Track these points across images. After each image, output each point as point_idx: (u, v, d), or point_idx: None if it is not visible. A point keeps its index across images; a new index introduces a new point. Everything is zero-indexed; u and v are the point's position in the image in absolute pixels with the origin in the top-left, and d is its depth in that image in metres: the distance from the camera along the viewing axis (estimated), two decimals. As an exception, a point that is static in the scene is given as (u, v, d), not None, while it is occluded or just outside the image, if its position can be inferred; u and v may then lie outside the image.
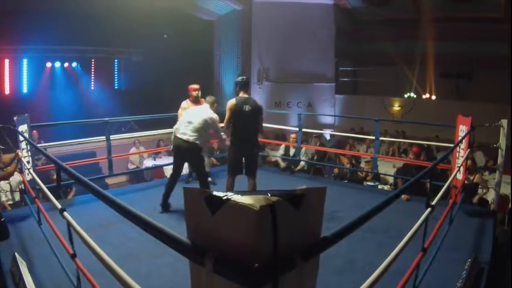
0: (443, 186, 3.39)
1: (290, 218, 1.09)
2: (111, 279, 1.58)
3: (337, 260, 3.47)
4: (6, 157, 4.48)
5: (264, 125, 8.31)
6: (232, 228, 1.04)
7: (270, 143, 9.03)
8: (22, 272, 2.93)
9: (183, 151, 4.55)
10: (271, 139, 8.77)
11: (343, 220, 1.52)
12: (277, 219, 1.01)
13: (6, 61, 10.59)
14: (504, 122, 4.77)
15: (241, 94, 4.52)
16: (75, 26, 9.98)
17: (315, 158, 8.68)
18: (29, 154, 4.69)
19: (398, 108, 12.11)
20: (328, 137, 10.77)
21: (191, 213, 1.18)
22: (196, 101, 5.82)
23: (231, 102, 4.49)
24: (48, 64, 11.64)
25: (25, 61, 11.05)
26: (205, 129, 4.56)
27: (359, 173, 7.92)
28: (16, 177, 5.30)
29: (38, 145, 4.85)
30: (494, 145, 4.87)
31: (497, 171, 4.89)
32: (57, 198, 2.72)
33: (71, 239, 2.32)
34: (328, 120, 12.18)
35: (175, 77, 11.41)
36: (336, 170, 8.13)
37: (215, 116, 4.66)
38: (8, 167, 4.29)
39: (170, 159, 8.80)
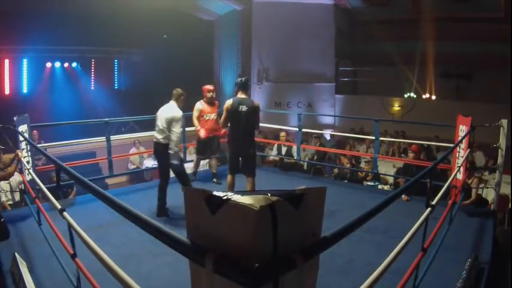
0: (443, 186, 3.40)
1: (290, 218, 1.09)
2: (111, 279, 1.58)
3: (337, 260, 3.47)
4: (6, 157, 4.48)
5: (264, 125, 8.58)
6: (232, 228, 1.04)
7: (269, 143, 9.02)
8: (22, 272, 2.93)
9: (154, 152, 4.75)
10: (271, 139, 8.77)
11: (343, 220, 1.51)
12: (277, 219, 1.01)
13: (6, 61, 10.60)
14: (504, 122, 4.78)
15: (239, 95, 4.60)
16: (75, 26, 9.98)
17: (315, 158, 8.69)
18: (29, 154, 4.69)
19: (398, 108, 12.10)
20: (328, 137, 10.77)
21: (191, 213, 1.18)
22: (210, 102, 5.85)
23: (228, 102, 4.59)
24: (48, 64, 11.65)
25: (25, 61, 11.06)
26: (170, 129, 4.48)
27: (359, 173, 7.92)
28: (16, 178, 5.30)
29: (38, 145, 4.85)
30: (494, 145, 4.87)
31: (497, 171, 4.89)
32: (56, 198, 2.72)
33: (71, 239, 2.32)
34: (328, 120, 12.18)
35: (175, 77, 11.41)
36: (336, 170, 8.13)
37: (176, 114, 4.49)
38: (8, 168, 4.30)
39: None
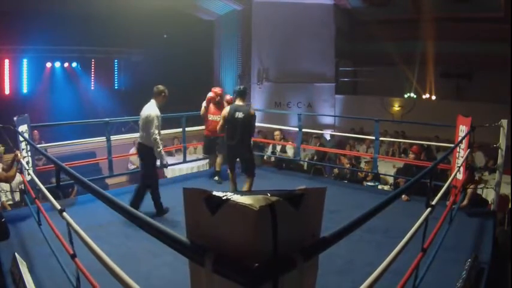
0: (443, 186, 3.39)
1: (290, 218, 1.09)
2: (110, 279, 1.58)
3: (336, 260, 3.47)
4: (8, 157, 4.48)
5: (264, 125, 8.71)
6: (232, 228, 1.04)
7: (269, 143, 9.03)
8: (22, 272, 2.93)
9: (137, 153, 4.81)
10: (271, 139, 8.77)
11: (342, 220, 1.52)
12: (276, 219, 1.01)
13: (6, 61, 10.59)
14: (504, 122, 4.78)
15: (237, 102, 4.87)
16: (75, 26, 9.98)
17: (315, 158, 8.69)
18: (29, 154, 4.69)
19: (398, 109, 12.10)
20: (328, 137, 10.77)
21: (191, 213, 1.18)
22: (218, 104, 6.04)
23: (225, 110, 4.92)
24: (48, 64, 11.65)
25: (25, 61, 11.05)
26: (145, 128, 4.45)
27: (359, 173, 7.93)
28: (16, 178, 5.29)
29: (39, 145, 4.85)
30: (494, 145, 4.87)
31: (497, 171, 4.89)
32: (56, 198, 2.72)
33: (70, 239, 2.33)
34: (328, 120, 12.17)
35: (175, 77, 11.41)
36: (335, 170, 8.13)
37: (151, 113, 4.43)
38: (9, 172, 4.30)
39: (170, 160, 8.83)
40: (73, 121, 7.66)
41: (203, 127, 6.41)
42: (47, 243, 3.22)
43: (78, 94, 12.20)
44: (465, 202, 4.94)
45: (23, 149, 4.51)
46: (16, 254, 3.27)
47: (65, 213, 2.31)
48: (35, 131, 6.98)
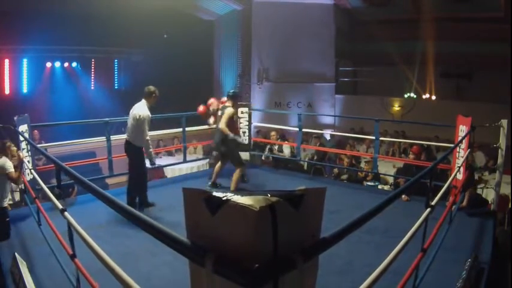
0: (443, 186, 3.40)
1: (290, 218, 1.09)
2: (110, 279, 1.58)
3: (336, 261, 3.47)
4: (14, 150, 4.44)
5: (264, 125, 8.79)
6: (232, 229, 1.04)
7: (268, 143, 9.02)
8: (22, 272, 2.94)
9: (125, 151, 4.89)
10: (270, 139, 8.77)
11: (342, 221, 1.52)
12: (277, 220, 1.01)
13: (6, 61, 10.60)
14: (504, 122, 4.78)
15: (227, 104, 5.41)
16: (75, 26, 9.98)
17: (315, 158, 8.69)
18: (29, 154, 4.69)
19: (398, 109, 12.10)
20: (328, 137, 10.77)
21: (191, 214, 1.18)
22: (213, 113, 6.18)
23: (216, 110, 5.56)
24: (48, 64, 11.65)
25: (25, 61, 11.06)
26: (137, 127, 4.52)
27: (359, 173, 7.92)
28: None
29: (39, 145, 4.85)
30: (494, 145, 4.87)
31: (497, 172, 4.88)
32: (56, 198, 2.72)
33: (71, 239, 2.33)
34: (328, 120, 12.16)
35: (175, 76, 11.40)
36: (335, 170, 8.13)
37: (141, 114, 4.53)
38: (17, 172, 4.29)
39: (170, 159, 8.85)
40: (73, 121, 7.66)
41: (203, 127, 6.43)
42: (47, 243, 3.22)
43: (78, 94, 12.21)
44: (464, 203, 4.94)
45: (23, 149, 4.51)
46: (16, 254, 3.27)
47: (66, 213, 2.31)
48: (35, 131, 6.98)
